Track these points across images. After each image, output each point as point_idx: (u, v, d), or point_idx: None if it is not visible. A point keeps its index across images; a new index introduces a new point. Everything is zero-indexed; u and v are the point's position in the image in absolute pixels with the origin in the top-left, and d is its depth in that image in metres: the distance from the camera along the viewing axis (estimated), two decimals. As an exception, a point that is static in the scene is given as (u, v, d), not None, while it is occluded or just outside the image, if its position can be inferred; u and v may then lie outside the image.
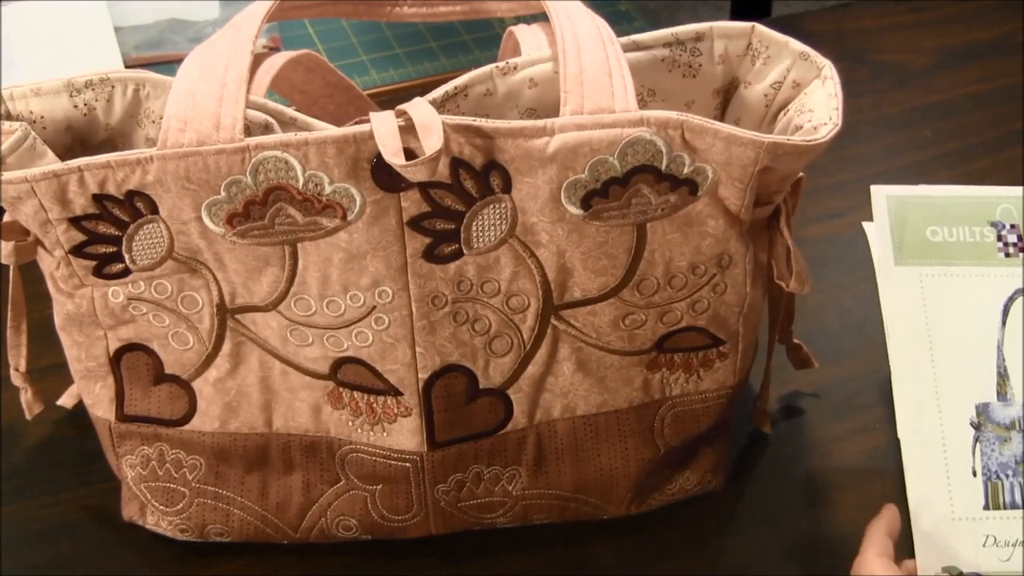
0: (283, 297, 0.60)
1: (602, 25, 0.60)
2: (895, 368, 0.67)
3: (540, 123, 0.56)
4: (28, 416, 0.68)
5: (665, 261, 0.60)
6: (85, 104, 0.60)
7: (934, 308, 0.67)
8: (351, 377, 0.62)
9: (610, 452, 0.66)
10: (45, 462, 0.73)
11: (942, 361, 0.67)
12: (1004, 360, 0.67)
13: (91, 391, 0.65)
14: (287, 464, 0.66)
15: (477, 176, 0.57)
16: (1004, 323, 0.67)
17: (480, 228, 0.59)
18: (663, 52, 0.63)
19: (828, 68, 0.59)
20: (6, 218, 0.60)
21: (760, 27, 0.62)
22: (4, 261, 0.61)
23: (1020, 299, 0.67)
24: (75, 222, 0.58)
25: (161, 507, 0.66)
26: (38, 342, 0.66)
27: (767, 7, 1.47)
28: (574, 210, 0.58)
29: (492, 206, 0.58)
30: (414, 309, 0.60)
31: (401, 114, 0.56)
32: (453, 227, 0.58)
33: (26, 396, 0.67)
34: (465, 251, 0.59)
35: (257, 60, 0.63)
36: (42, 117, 0.60)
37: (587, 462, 0.66)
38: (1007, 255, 0.68)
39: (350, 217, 0.57)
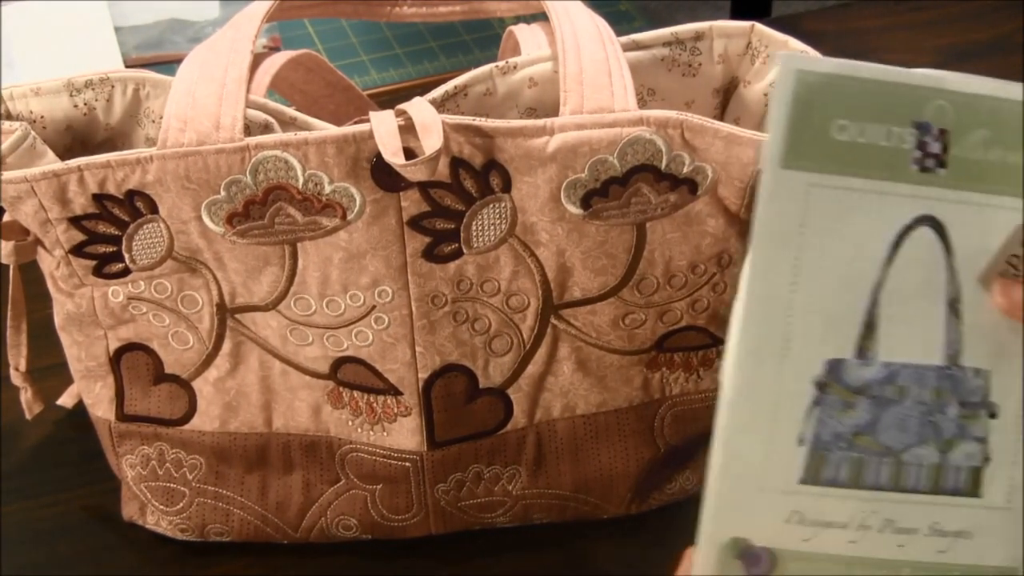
0: (283, 297, 0.60)
1: (602, 25, 0.60)
2: (742, 300, 0.54)
3: (540, 122, 0.56)
4: (28, 416, 0.68)
5: (665, 260, 0.60)
6: (85, 104, 0.60)
7: (812, 232, 0.53)
8: (351, 377, 0.62)
9: (610, 452, 0.66)
10: (45, 462, 0.73)
11: (802, 300, 0.54)
12: (877, 307, 0.54)
13: (91, 391, 0.65)
14: (287, 464, 0.66)
15: (477, 175, 0.57)
16: (890, 260, 0.53)
17: (480, 227, 0.59)
18: (663, 51, 0.63)
19: (828, 67, 0.59)
20: (6, 218, 0.60)
21: (760, 26, 0.62)
22: (4, 261, 0.61)
23: (919, 231, 0.53)
24: (75, 222, 0.58)
25: (161, 507, 0.66)
26: (38, 342, 0.66)
27: (767, 7, 1.47)
28: (574, 209, 0.58)
29: (492, 205, 0.58)
30: (414, 308, 0.60)
31: (401, 114, 0.56)
32: (453, 226, 0.58)
33: (26, 396, 0.67)
34: (465, 250, 0.59)
35: (257, 60, 0.63)
36: (42, 117, 0.60)
37: (587, 462, 0.66)
38: (923, 169, 0.53)
39: (350, 217, 0.57)
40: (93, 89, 0.60)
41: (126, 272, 0.60)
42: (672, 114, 0.56)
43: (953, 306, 0.54)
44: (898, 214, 0.53)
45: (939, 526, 0.56)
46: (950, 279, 0.54)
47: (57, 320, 0.63)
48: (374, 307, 0.60)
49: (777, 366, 0.54)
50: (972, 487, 0.56)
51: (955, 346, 0.54)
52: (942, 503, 0.56)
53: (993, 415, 0.55)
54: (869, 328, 0.54)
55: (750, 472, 0.55)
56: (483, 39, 1.12)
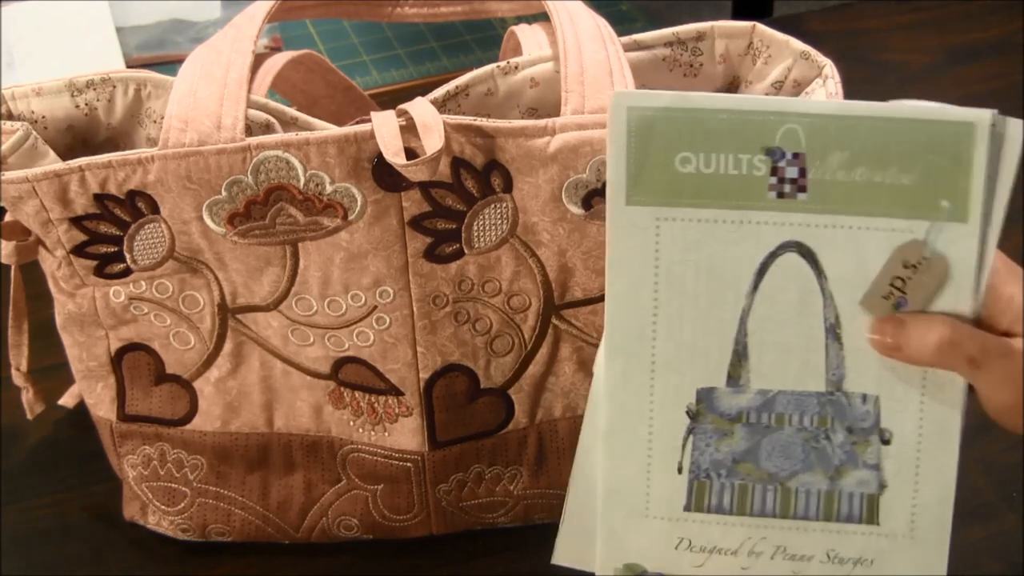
0: (284, 297, 0.60)
1: (603, 25, 0.60)
2: (606, 332, 0.53)
3: (541, 123, 0.56)
4: (29, 416, 0.68)
5: (666, 261, 0.60)
6: (86, 104, 0.60)
7: (668, 264, 0.52)
8: (352, 377, 0.62)
9: (611, 452, 0.66)
10: (46, 462, 0.73)
11: (666, 332, 0.53)
12: (746, 335, 0.53)
13: (92, 391, 0.65)
14: (288, 464, 0.66)
15: (478, 176, 0.57)
16: (755, 287, 0.52)
17: (481, 228, 0.59)
18: (664, 51, 0.63)
19: (829, 67, 0.59)
20: (7, 218, 0.60)
21: (761, 26, 0.62)
22: (5, 261, 0.61)
23: (786, 257, 0.51)
24: (76, 222, 0.58)
25: (162, 507, 0.66)
26: (39, 342, 0.66)
27: (768, 7, 1.47)
28: (575, 210, 0.58)
29: (493, 206, 0.58)
30: (415, 309, 0.60)
31: (402, 114, 0.56)
32: (454, 227, 0.58)
33: (27, 396, 0.67)
34: (466, 251, 0.59)
35: (258, 60, 0.63)
36: (43, 117, 0.60)
37: (588, 462, 0.66)
38: (780, 195, 0.50)
39: (351, 217, 0.57)
40: (94, 89, 0.60)
41: (127, 272, 0.60)
42: (673, 114, 0.56)
43: (832, 331, 0.52)
44: (759, 241, 0.51)
45: (836, 553, 0.55)
46: (827, 304, 0.52)
47: (58, 320, 0.63)
48: (375, 307, 0.60)
49: (646, 397, 0.54)
50: (869, 514, 0.54)
51: (838, 371, 0.53)
52: (837, 530, 0.54)
53: (886, 441, 0.53)
54: (739, 356, 0.53)
55: (635, 501, 0.55)
56: (484, 39, 1.12)
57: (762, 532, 0.55)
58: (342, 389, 0.63)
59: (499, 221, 0.58)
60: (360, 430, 0.64)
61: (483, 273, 0.60)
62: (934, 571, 0.55)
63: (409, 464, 0.64)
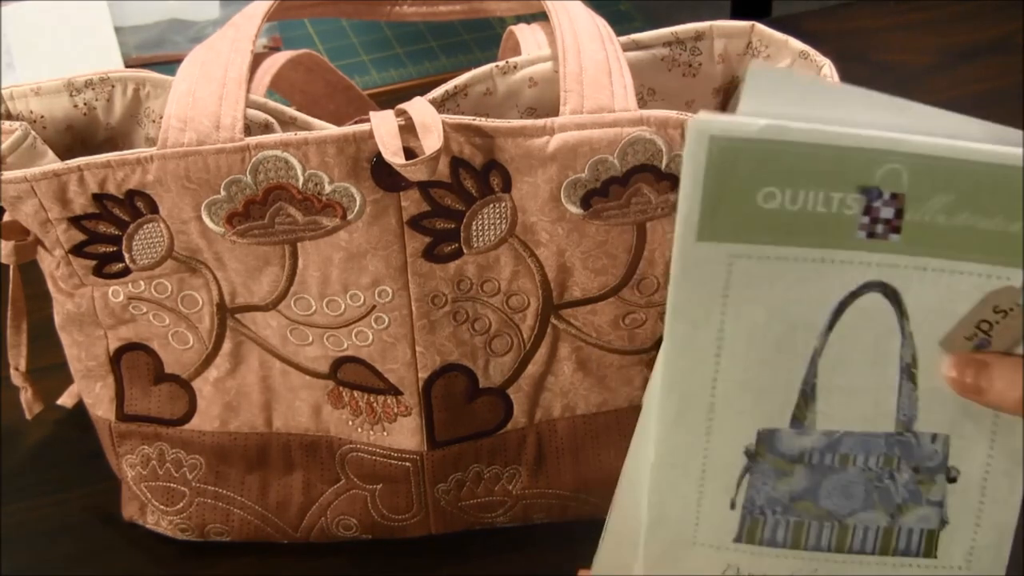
0: (283, 296, 0.60)
1: (602, 24, 0.60)
2: (663, 372, 0.50)
3: (540, 122, 0.56)
4: (28, 416, 0.68)
5: (665, 260, 0.60)
6: (85, 104, 0.60)
7: (737, 303, 0.48)
8: (351, 376, 0.62)
9: (610, 452, 0.66)
10: (45, 462, 0.73)
11: (729, 372, 0.49)
12: (815, 376, 0.49)
13: (91, 391, 0.65)
14: (287, 464, 0.66)
15: (477, 175, 0.57)
16: (831, 327, 0.48)
17: (480, 227, 0.59)
18: (663, 51, 0.63)
19: (828, 67, 0.59)
20: (6, 218, 0.60)
21: (760, 26, 0.62)
22: (4, 261, 0.61)
23: (868, 297, 0.48)
24: (75, 221, 0.58)
25: (161, 506, 0.66)
26: (38, 342, 0.66)
27: (767, 6, 1.47)
28: (574, 209, 0.58)
29: (492, 205, 0.58)
30: (414, 308, 0.60)
31: (401, 113, 0.56)
32: (453, 226, 0.58)
33: (26, 396, 0.67)
34: (465, 250, 0.59)
35: (257, 60, 0.63)
36: (42, 116, 0.60)
37: (587, 461, 0.66)
38: (871, 236, 0.46)
39: (350, 216, 0.57)
40: (93, 89, 0.60)
41: (126, 272, 0.60)
42: (672, 114, 0.56)
43: (908, 371, 0.50)
44: (841, 281, 0.48)
45: None
46: (905, 343, 0.49)
47: (57, 320, 0.63)
48: (374, 307, 0.60)
49: (702, 436, 0.51)
50: (927, 548, 0.53)
51: (909, 412, 0.51)
52: (892, 563, 0.53)
53: (952, 479, 0.52)
54: (806, 397, 0.50)
55: (681, 530, 0.52)
56: (483, 39, 1.12)
57: (814, 564, 0.53)
58: (341, 389, 0.63)
59: (498, 221, 0.58)
60: (359, 430, 0.64)
61: (482, 273, 0.60)
62: None
63: (408, 464, 0.64)
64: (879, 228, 0.46)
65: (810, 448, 0.51)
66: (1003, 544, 0.53)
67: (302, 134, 0.56)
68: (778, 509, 0.52)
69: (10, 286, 0.63)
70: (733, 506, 0.52)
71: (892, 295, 0.48)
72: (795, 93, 0.44)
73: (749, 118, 0.44)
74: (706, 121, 0.44)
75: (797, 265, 0.47)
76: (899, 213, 0.46)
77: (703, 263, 0.47)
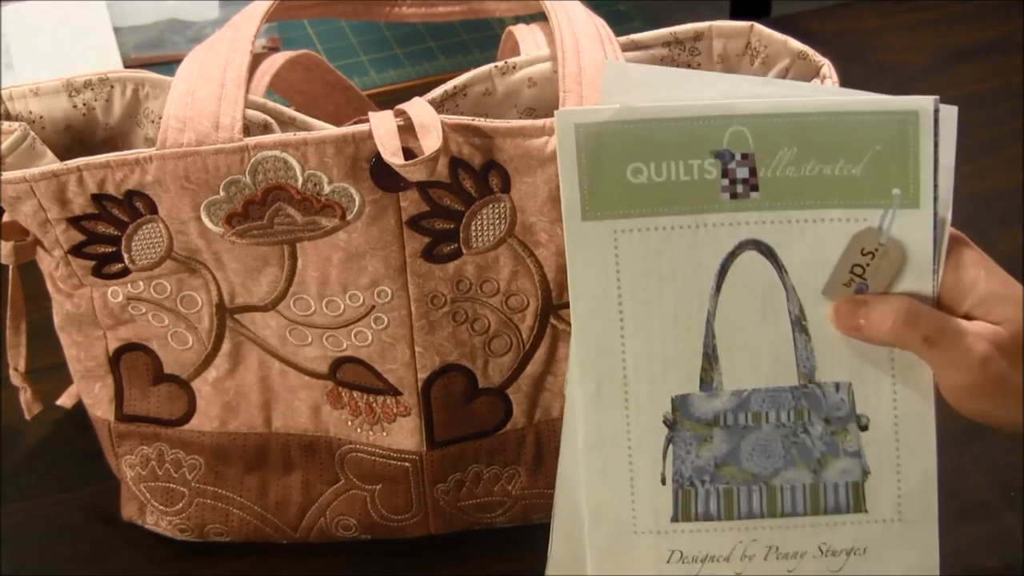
0: (282, 297, 0.60)
1: (601, 25, 0.60)
2: (574, 351, 0.54)
3: (539, 123, 0.56)
4: (27, 416, 0.68)
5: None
6: (84, 104, 0.60)
7: (630, 276, 0.52)
8: (350, 377, 0.62)
9: (609, 452, 0.66)
10: (45, 462, 0.73)
11: (635, 342, 0.53)
12: (714, 338, 0.53)
13: (90, 391, 0.65)
14: (286, 464, 0.66)
15: (476, 176, 0.57)
16: (718, 289, 0.53)
17: (479, 228, 0.59)
18: (662, 51, 0.63)
19: (827, 67, 0.59)
20: (5, 218, 0.60)
21: (759, 26, 0.62)
22: (3, 261, 0.61)
23: (746, 256, 0.52)
24: (74, 222, 0.58)
25: (161, 507, 0.66)
26: (37, 342, 0.66)
27: (766, 6, 1.47)
28: (573, 210, 0.58)
29: (491, 206, 0.58)
30: (413, 309, 0.60)
31: (400, 114, 0.56)
32: (452, 227, 0.58)
33: (25, 396, 0.67)
34: (464, 251, 0.59)
35: (256, 60, 0.63)
36: (41, 117, 0.60)
37: (586, 462, 0.66)
38: (733, 196, 0.51)
39: (349, 217, 0.57)
40: (92, 89, 0.60)
41: (125, 272, 0.60)
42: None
43: (799, 323, 0.53)
44: (717, 243, 0.52)
45: (828, 546, 0.55)
46: (790, 297, 0.53)
47: (56, 320, 0.63)
48: (373, 307, 0.60)
49: (622, 411, 0.54)
50: (856, 503, 0.55)
51: (808, 363, 0.53)
52: (826, 523, 0.55)
53: (864, 427, 0.54)
54: (709, 359, 0.53)
55: (621, 518, 0.55)
56: (482, 39, 1.12)
57: (752, 534, 0.55)
58: (340, 389, 0.63)
59: (497, 221, 0.58)
60: (358, 430, 0.64)
61: (481, 273, 0.60)
62: (926, 552, 0.55)
63: (407, 464, 0.64)
64: (739, 188, 0.52)
65: (722, 409, 0.54)
66: (929, 491, 0.55)
67: (301, 134, 0.56)
68: (706, 478, 0.54)
69: (9, 286, 0.63)
70: (664, 481, 0.55)
71: (767, 251, 0.52)
72: (648, 81, 0.51)
73: (607, 105, 0.51)
74: (569, 111, 0.52)
75: (676, 233, 0.52)
76: (753, 171, 0.51)
77: (591, 241, 0.53)
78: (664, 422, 0.54)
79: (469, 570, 0.68)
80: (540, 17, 0.63)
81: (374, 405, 0.63)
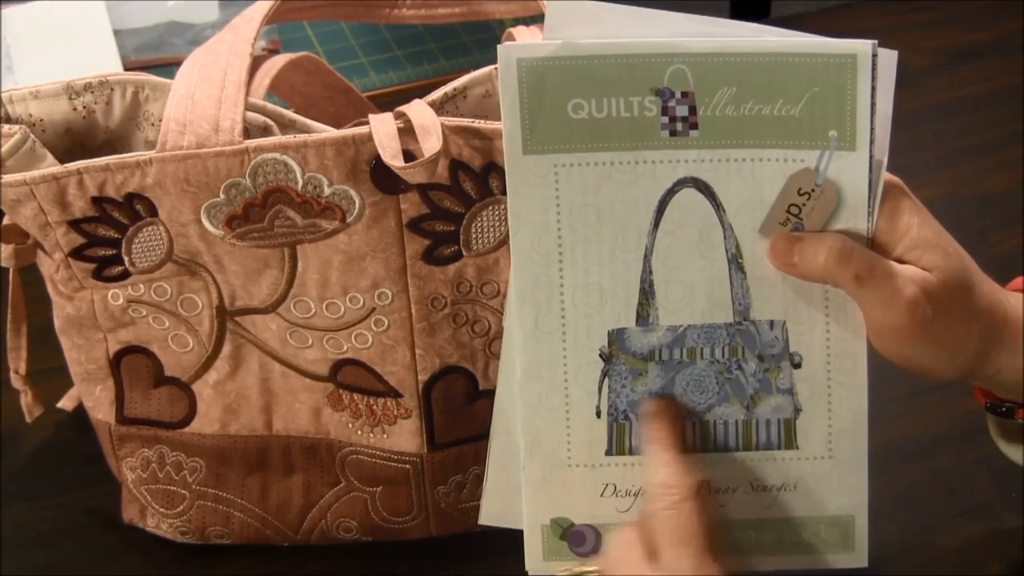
0: (283, 299, 0.60)
1: (601, 26, 0.60)
2: (513, 283, 0.55)
3: (539, 124, 0.56)
4: (28, 419, 0.68)
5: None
6: (84, 107, 0.60)
7: (569, 209, 0.53)
8: (351, 379, 0.62)
9: (610, 453, 0.66)
10: (45, 464, 0.73)
11: (573, 276, 0.54)
12: (651, 273, 0.54)
13: (91, 393, 0.65)
14: (287, 466, 0.66)
15: (476, 178, 0.57)
16: (656, 225, 0.53)
17: (479, 230, 0.59)
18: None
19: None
20: (6, 221, 0.60)
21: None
22: (4, 264, 0.61)
23: (685, 193, 0.53)
24: (74, 225, 0.58)
25: (161, 509, 0.66)
26: (38, 345, 0.66)
27: (767, 6, 1.47)
28: (573, 211, 0.58)
29: (491, 208, 0.58)
30: (413, 311, 0.60)
31: (400, 116, 0.56)
32: (452, 229, 0.58)
33: (26, 399, 0.67)
34: (464, 253, 0.59)
35: (256, 62, 0.63)
36: (41, 120, 0.60)
37: (587, 463, 0.66)
38: (673, 133, 0.52)
39: (349, 219, 0.57)
40: (92, 92, 0.60)
41: (126, 275, 0.60)
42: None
43: (735, 261, 0.54)
44: (656, 180, 0.53)
45: (759, 482, 0.56)
46: (727, 235, 0.54)
47: (57, 323, 0.63)
48: (374, 309, 0.60)
49: (559, 344, 0.55)
50: (787, 439, 0.56)
51: (744, 301, 0.54)
52: (758, 459, 0.56)
53: (797, 365, 0.55)
54: (646, 294, 0.54)
55: (556, 451, 0.56)
56: (482, 41, 1.12)
57: None
58: (341, 391, 0.63)
59: (497, 223, 0.58)
60: (359, 432, 0.64)
61: (481, 275, 0.60)
62: (855, 489, 0.56)
63: (408, 466, 0.64)
64: (679, 126, 0.52)
65: (658, 344, 0.55)
66: (859, 430, 0.56)
67: (301, 137, 0.56)
68: (640, 412, 0.55)
69: (10, 289, 0.63)
70: (599, 414, 0.56)
71: (705, 189, 0.53)
72: (591, 19, 0.52)
73: (549, 41, 0.52)
74: (511, 47, 0.52)
75: (616, 169, 0.53)
76: (692, 110, 0.52)
77: (532, 174, 0.53)
78: (600, 355, 0.55)
79: (469, 571, 0.68)
80: (540, 18, 0.63)
81: (375, 407, 0.63)
